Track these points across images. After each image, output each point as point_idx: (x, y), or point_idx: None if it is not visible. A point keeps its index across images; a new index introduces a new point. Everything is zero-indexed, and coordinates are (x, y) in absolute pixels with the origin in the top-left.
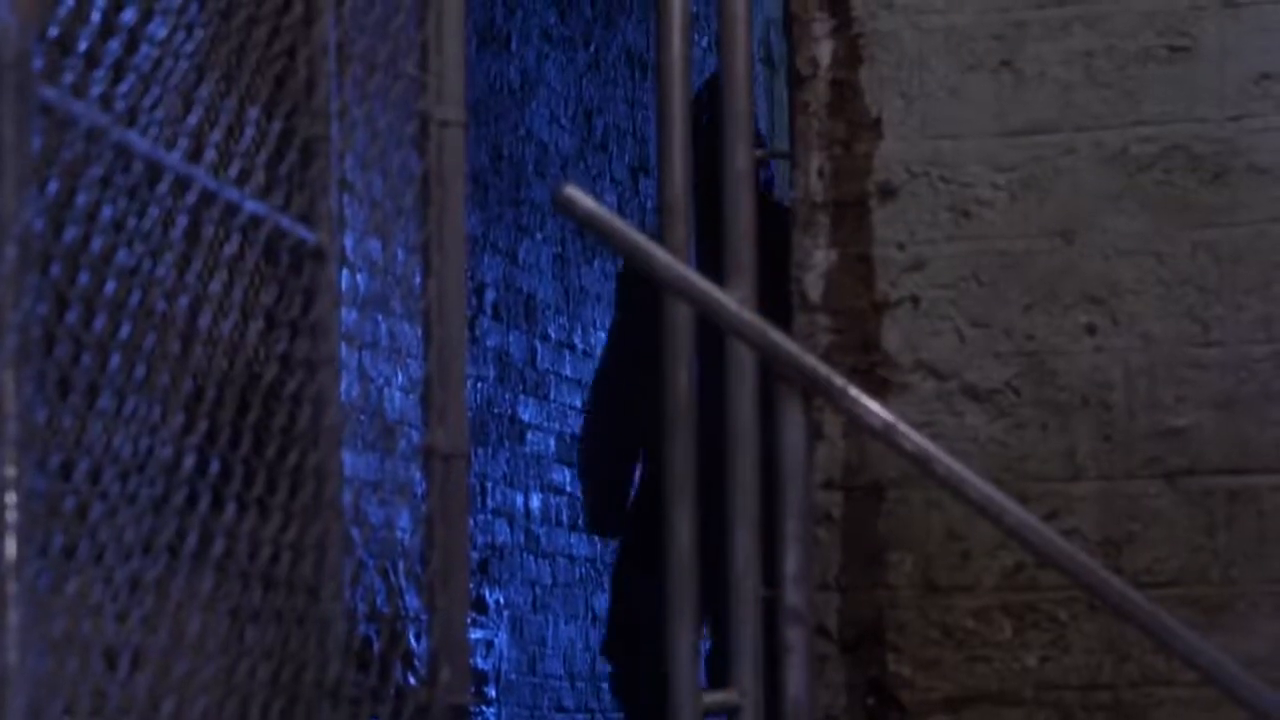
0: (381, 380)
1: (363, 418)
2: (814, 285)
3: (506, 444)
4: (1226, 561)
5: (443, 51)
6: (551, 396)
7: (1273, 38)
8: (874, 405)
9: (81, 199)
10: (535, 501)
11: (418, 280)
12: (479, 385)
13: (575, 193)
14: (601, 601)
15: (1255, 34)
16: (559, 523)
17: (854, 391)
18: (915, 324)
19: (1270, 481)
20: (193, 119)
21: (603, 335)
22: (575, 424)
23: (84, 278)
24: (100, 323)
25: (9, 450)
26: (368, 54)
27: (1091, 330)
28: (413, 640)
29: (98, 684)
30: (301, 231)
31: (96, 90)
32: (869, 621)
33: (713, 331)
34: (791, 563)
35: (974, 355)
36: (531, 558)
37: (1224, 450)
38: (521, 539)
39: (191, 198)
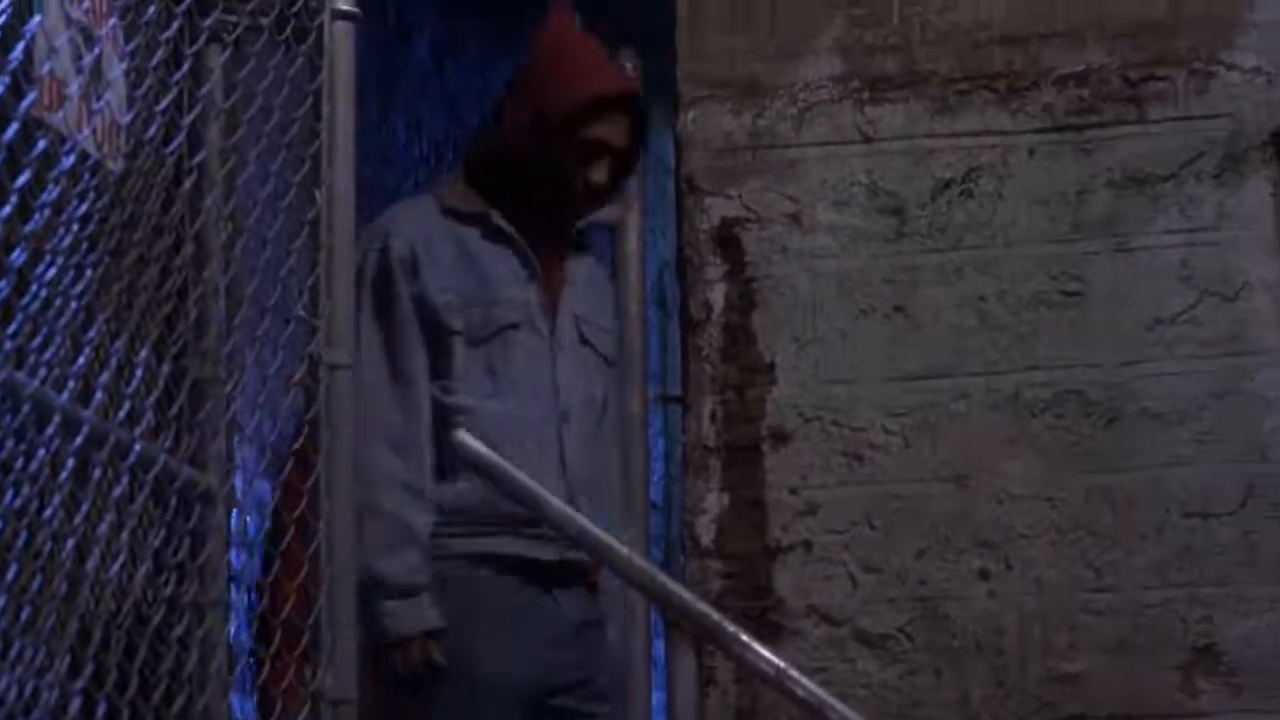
0: None
1: (252, 660)
2: (706, 530)
3: None
4: None
5: (333, 295)
6: None
7: (1165, 283)
8: (765, 652)
9: None
10: None
11: None
12: None
13: (466, 437)
14: None
15: (1147, 279)
16: None
17: (745, 638)
18: (808, 569)
19: None
20: (82, 360)
21: None
22: None
23: None
24: None
25: None
26: (258, 296)
27: (985, 575)
28: None
29: None
30: (191, 473)
31: None
32: None
33: None
34: None
35: (867, 601)
36: None
37: (1117, 696)
38: None
39: (80, 439)
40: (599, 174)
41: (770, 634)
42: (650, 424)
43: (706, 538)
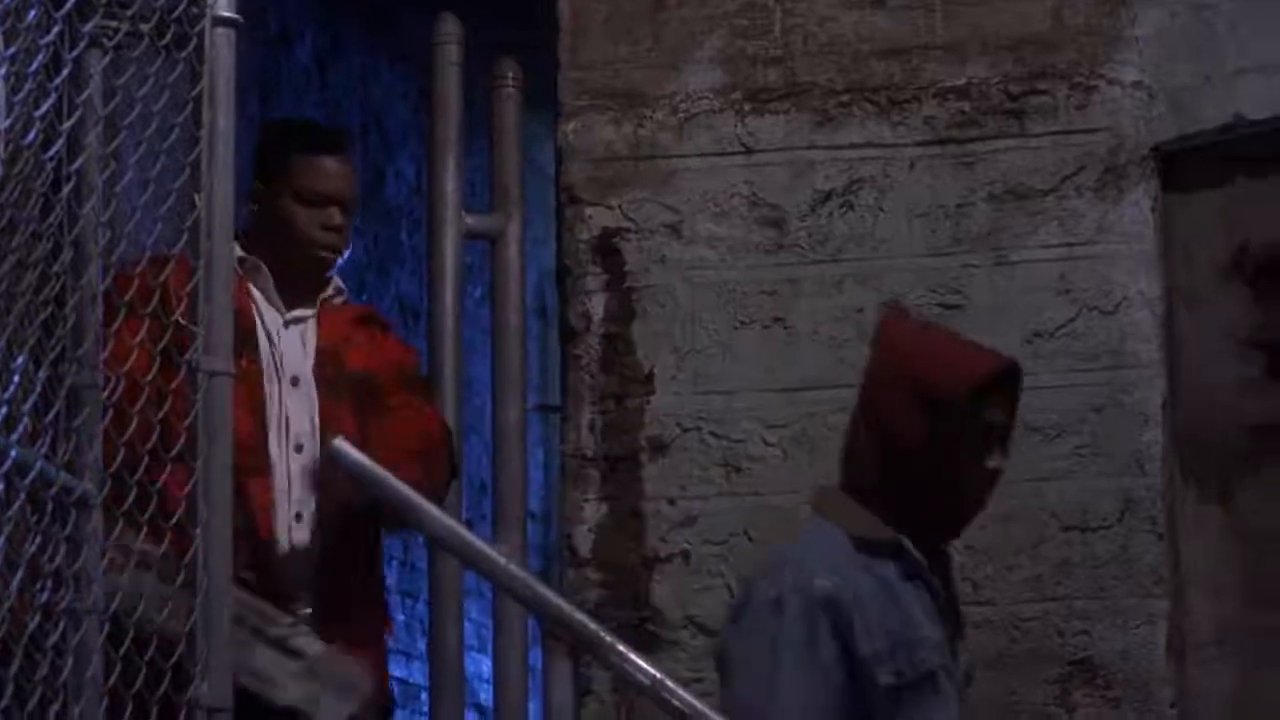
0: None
1: None
2: (583, 540)
3: None
4: None
5: (211, 301)
6: None
7: (1043, 296)
8: (642, 662)
9: None
10: None
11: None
12: None
13: (344, 446)
14: None
15: (1026, 293)
16: None
17: (622, 648)
18: (685, 580)
19: None
20: None
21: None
22: None
23: None
24: None
25: None
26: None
27: None
28: None
29: None
30: (67, 479)
31: None
32: None
33: None
34: None
35: None
36: None
37: (994, 709)
38: None
39: None
40: (999, 460)
41: (648, 644)
42: (529, 433)
43: (584, 547)
